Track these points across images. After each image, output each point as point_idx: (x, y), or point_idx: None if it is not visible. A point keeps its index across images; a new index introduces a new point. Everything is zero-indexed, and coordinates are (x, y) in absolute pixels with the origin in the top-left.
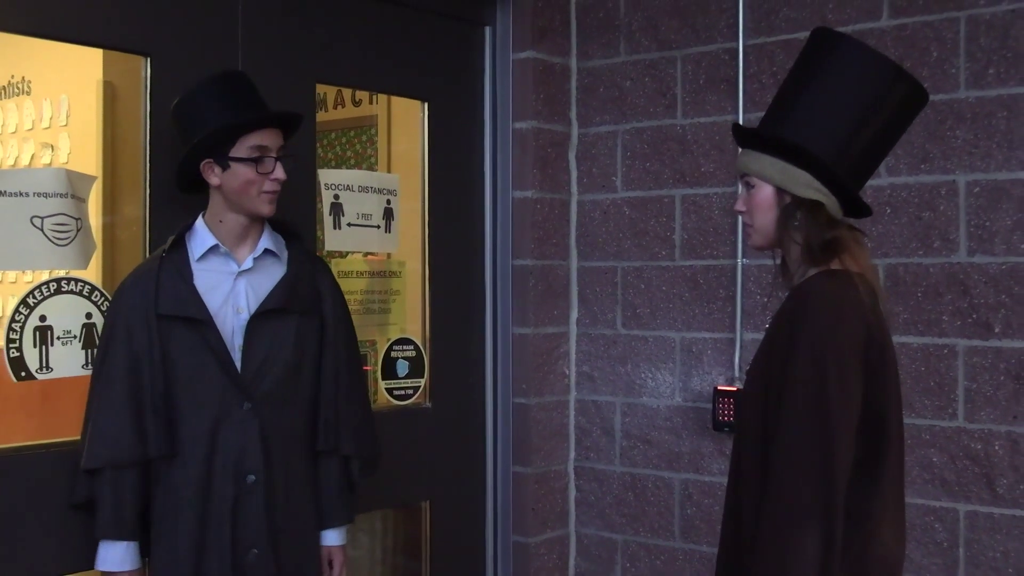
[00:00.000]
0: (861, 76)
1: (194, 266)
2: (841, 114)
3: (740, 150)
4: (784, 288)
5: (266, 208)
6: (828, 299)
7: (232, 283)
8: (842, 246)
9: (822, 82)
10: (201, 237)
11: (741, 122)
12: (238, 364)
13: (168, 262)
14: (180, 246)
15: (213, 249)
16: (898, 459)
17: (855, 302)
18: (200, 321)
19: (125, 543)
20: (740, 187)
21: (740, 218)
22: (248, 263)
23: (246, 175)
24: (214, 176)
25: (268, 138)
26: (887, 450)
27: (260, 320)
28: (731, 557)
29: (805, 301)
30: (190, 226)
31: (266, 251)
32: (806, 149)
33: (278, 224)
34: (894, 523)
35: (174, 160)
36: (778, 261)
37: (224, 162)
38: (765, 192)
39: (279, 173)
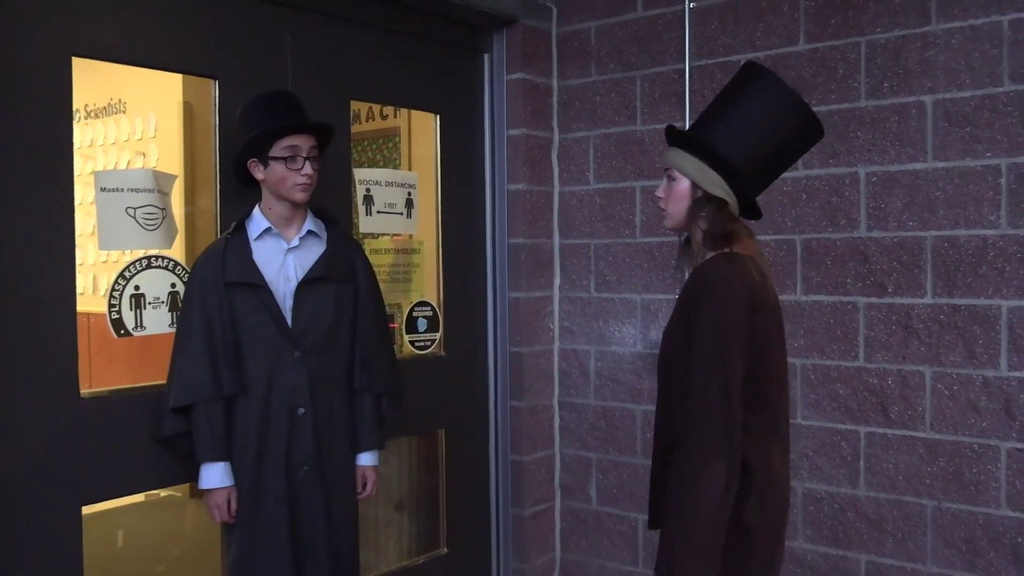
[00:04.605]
0: (775, 106)
1: (252, 244)
2: (754, 133)
3: (668, 148)
4: (686, 263)
5: (299, 196)
6: (722, 278)
7: (283, 257)
8: (736, 237)
9: (743, 105)
10: (257, 221)
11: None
12: (289, 321)
13: (232, 242)
14: (241, 229)
15: (267, 231)
16: (779, 376)
17: (744, 278)
18: (258, 287)
19: (222, 464)
20: (663, 178)
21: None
22: (295, 241)
23: (280, 171)
24: (258, 172)
25: (300, 141)
26: (767, 368)
27: (306, 287)
28: (657, 477)
29: (704, 280)
30: (249, 213)
31: (309, 232)
32: (724, 156)
33: (319, 211)
34: (781, 442)
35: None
36: (682, 241)
37: (264, 160)
38: (683, 185)
39: (307, 169)
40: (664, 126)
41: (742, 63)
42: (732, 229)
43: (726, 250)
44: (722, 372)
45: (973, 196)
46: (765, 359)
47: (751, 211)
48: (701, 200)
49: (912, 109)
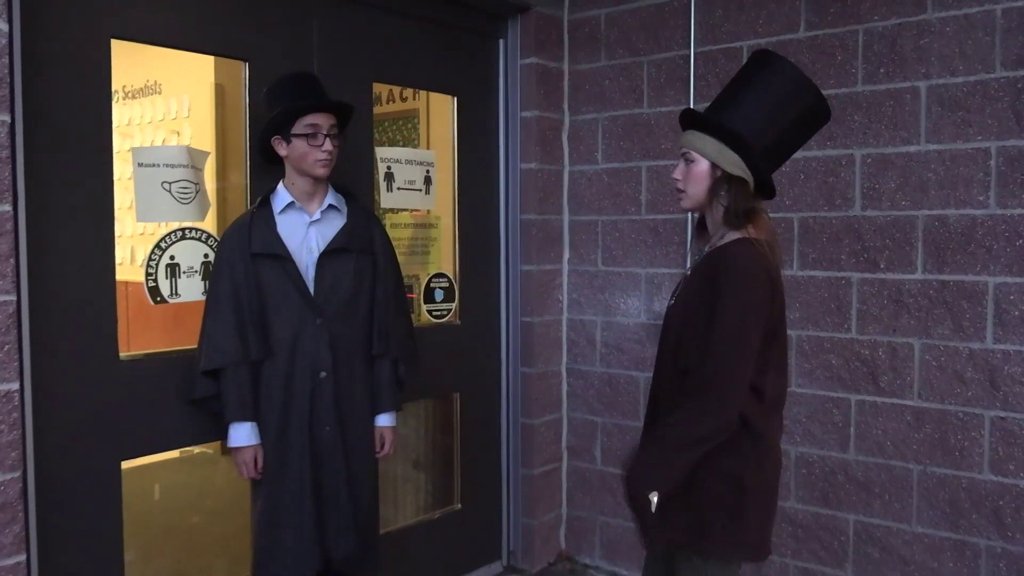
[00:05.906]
0: (787, 88)
1: (277, 218)
2: (768, 114)
3: (684, 131)
4: (700, 242)
5: (320, 171)
6: (746, 262)
7: (306, 230)
8: (756, 214)
9: (757, 89)
10: (281, 196)
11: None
12: (311, 290)
13: (258, 215)
14: (266, 203)
15: (290, 205)
16: (783, 352)
17: (764, 264)
18: (283, 257)
19: (249, 423)
20: (680, 161)
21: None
22: (317, 215)
23: (302, 147)
24: (282, 148)
25: (321, 119)
26: (776, 346)
27: (327, 257)
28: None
29: (728, 265)
30: (273, 189)
31: (330, 206)
32: (741, 135)
33: (339, 187)
34: (778, 404)
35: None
36: (696, 221)
37: (287, 137)
38: (702, 166)
39: (327, 146)
40: (670, 109)
41: (745, 49)
42: (753, 207)
43: (745, 235)
44: (741, 349)
45: (963, 177)
46: (776, 338)
47: (767, 190)
48: (721, 180)
49: (907, 94)
